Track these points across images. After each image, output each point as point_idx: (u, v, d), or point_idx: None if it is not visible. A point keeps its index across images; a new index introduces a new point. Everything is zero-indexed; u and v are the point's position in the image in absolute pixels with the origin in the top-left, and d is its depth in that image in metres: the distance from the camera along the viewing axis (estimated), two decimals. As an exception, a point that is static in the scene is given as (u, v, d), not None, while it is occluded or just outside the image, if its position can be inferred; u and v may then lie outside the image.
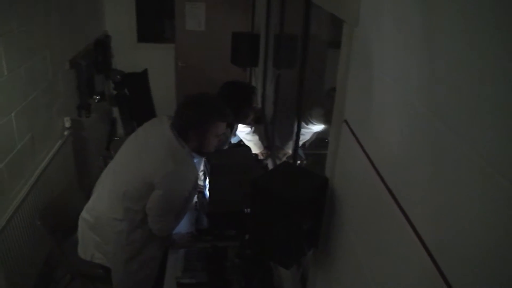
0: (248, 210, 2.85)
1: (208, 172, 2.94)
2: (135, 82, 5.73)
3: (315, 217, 1.77)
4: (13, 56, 3.16)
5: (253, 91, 3.47)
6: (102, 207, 2.71)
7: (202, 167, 3.13)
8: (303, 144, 3.32)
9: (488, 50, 0.78)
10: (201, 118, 2.59)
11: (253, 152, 3.70)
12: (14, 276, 3.06)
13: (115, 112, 6.16)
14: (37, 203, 3.42)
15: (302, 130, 3.18)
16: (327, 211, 1.78)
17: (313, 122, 3.21)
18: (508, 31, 0.73)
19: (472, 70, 0.82)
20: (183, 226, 3.04)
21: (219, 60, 5.69)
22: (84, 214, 2.82)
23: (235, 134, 3.74)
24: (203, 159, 3.01)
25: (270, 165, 3.69)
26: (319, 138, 3.44)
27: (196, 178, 2.70)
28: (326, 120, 3.07)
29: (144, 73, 5.85)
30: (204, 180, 3.13)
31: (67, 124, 4.24)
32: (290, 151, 3.39)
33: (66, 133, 4.22)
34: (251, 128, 3.78)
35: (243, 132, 3.79)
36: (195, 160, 2.71)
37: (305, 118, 3.17)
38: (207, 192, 3.02)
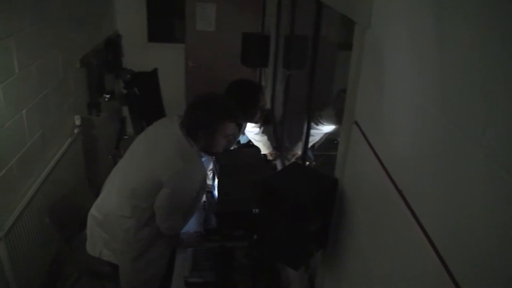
0: (257, 210, 2.86)
1: (217, 172, 2.94)
2: (145, 81, 5.75)
3: (324, 218, 1.77)
4: (25, 54, 3.18)
5: (261, 89, 3.46)
6: (110, 205, 2.72)
7: (210, 166, 3.13)
8: (313, 146, 3.31)
9: (499, 53, 0.78)
10: (210, 118, 2.59)
11: (262, 152, 3.70)
12: (23, 272, 3.08)
13: (125, 111, 6.18)
14: (47, 200, 3.44)
15: (312, 131, 3.17)
16: (336, 212, 1.77)
17: (323, 122, 3.20)
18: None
19: (483, 72, 0.82)
20: (192, 226, 3.04)
21: (229, 60, 5.69)
22: (93, 211, 2.84)
23: (243, 133, 3.74)
24: (212, 158, 3.01)
25: (279, 166, 3.69)
26: (328, 139, 3.43)
27: (205, 177, 2.71)
28: (337, 120, 3.06)
29: (154, 72, 5.87)
30: (213, 180, 3.14)
31: (77, 122, 4.26)
32: (299, 152, 3.39)
33: (76, 131, 4.23)
34: (260, 128, 3.78)
35: (252, 133, 3.79)
36: (203, 159, 2.71)
37: (315, 118, 3.16)
38: (215, 192, 3.02)
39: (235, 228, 2.99)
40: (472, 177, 0.85)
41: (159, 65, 5.94)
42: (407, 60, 1.18)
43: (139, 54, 6.13)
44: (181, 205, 2.63)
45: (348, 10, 1.68)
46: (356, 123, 1.58)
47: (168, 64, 6.21)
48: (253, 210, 2.97)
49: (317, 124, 3.20)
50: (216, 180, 2.98)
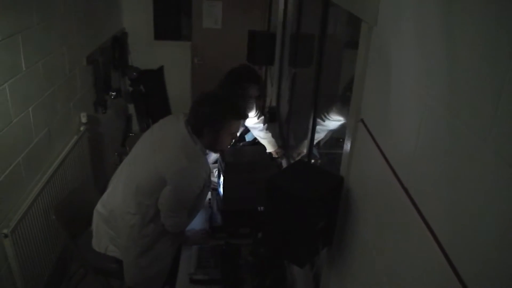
0: (262, 208, 2.86)
1: (223, 170, 2.95)
2: (151, 79, 5.75)
3: (329, 216, 1.77)
4: (32, 51, 3.19)
5: (255, 70, 3.47)
6: (116, 201, 2.74)
7: (212, 157, 3.14)
8: (318, 143, 3.31)
9: (506, 50, 0.77)
10: (216, 115, 2.60)
11: (268, 150, 3.70)
12: (29, 269, 3.09)
13: (131, 108, 6.19)
14: (53, 197, 3.45)
15: (318, 128, 3.18)
16: (341, 210, 1.77)
17: (329, 118, 3.20)
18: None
19: (491, 71, 0.82)
20: (197, 223, 3.05)
21: (235, 58, 5.65)
22: (99, 207, 2.85)
23: (243, 126, 3.74)
24: (213, 155, 3.02)
25: (284, 164, 3.69)
26: (333, 138, 3.42)
27: (209, 175, 2.71)
28: (343, 115, 3.06)
29: (160, 70, 5.87)
30: (219, 177, 3.14)
31: (84, 120, 4.28)
32: (304, 150, 3.38)
33: (82, 128, 4.25)
34: (264, 125, 3.78)
35: (256, 129, 3.79)
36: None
37: (321, 114, 3.16)
38: (221, 190, 3.03)
39: (241, 226, 3.00)
40: (479, 174, 0.85)
41: (165, 62, 5.95)
42: (414, 57, 1.17)
43: (145, 52, 6.14)
44: (185, 202, 2.64)
45: (355, 7, 1.67)
46: (362, 121, 1.58)
47: (174, 62, 6.22)
48: (259, 208, 2.98)
49: (323, 120, 3.20)
50: (222, 178, 2.98)
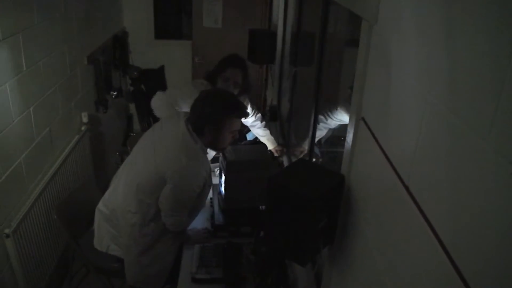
0: (264, 207, 2.86)
1: (224, 169, 2.95)
2: (152, 78, 5.75)
3: (331, 214, 1.77)
4: (33, 51, 3.20)
5: (240, 57, 3.51)
6: (117, 200, 2.74)
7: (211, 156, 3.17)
8: (319, 141, 3.31)
9: (506, 48, 0.77)
10: (217, 114, 2.60)
11: (268, 148, 3.71)
12: (30, 269, 3.10)
13: (132, 108, 6.20)
14: (54, 197, 3.46)
15: (321, 125, 3.18)
16: (343, 209, 1.77)
17: (331, 116, 3.20)
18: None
19: (492, 69, 0.82)
20: (199, 222, 3.05)
21: (235, 57, 5.68)
22: (100, 206, 2.86)
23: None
24: (212, 153, 3.03)
25: (285, 162, 3.69)
26: (334, 136, 3.42)
27: (209, 174, 2.71)
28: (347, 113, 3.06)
29: (161, 69, 5.88)
30: (220, 176, 3.14)
31: (85, 119, 4.28)
32: (306, 148, 3.38)
33: (83, 128, 4.25)
34: (262, 122, 3.79)
35: (255, 127, 3.80)
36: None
37: (324, 113, 3.16)
38: (222, 189, 3.03)
39: (242, 225, 3.00)
40: (480, 173, 0.85)
41: (165, 62, 5.95)
42: (414, 56, 1.17)
43: (146, 51, 6.15)
44: (185, 201, 2.64)
45: (355, 6, 1.67)
46: (363, 119, 1.58)
47: (175, 61, 6.22)
48: (260, 206, 2.98)
49: (326, 119, 3.20)
50: (223, 177, 2.99)
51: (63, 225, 3.00)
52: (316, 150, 3.17)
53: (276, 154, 3.79)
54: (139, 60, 5.96)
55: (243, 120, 3.63)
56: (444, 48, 1.01)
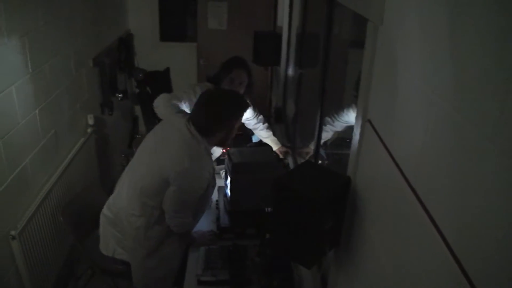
0: (269, 209, 2.86)
1: (230, 171, 2.95)
2: (157, 80, 5.76)
3: (337, 217, 1.76)
4: (38, 53, 3.20)
5: (243, 58, 3.53)
6: (121, 203, 2.75)
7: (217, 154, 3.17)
8: (325, 143, 3.30)
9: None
10: (229, 113, 2.64)
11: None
12: (36, 270, 3.10)
13: (137, 110, 6.20)
14: (60, 199, 3.46)
15: (328, 127, 3.18)
16: (349, 211, 1.77)
17: (337, 118, 3.20)
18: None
19: (498, 70, 0.81)
20: (204, 224, 3.05)
21: (240, 59, 5.68)
22: (105, 210, 2.86)
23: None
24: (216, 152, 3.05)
25: (291, 164, 3.69)
26: (340, 138, 3.42)
27: (213, 174, 2.72)
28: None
29: (166, 71, 5.88)
30: (226, 178, 3.14)
31: (90, 122, 4.29)
32: (311, 149, 3.38)
33: (89, 130, 4.26)
34: (264, 124, 3.79)
35: (257, 129, 3.81)
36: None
37: (331, 115, 3.16)
38: (228, 191, 3.03)
39: (248, 227, 3.00)
40: (487, 174, 0.84)
41: (171, 64, 5.95)
42: (420, 57, 1.17)
43: (151, 53, 6.16)
44: (189, 202, 2.64)
45: (361, 7, 1.67)
46: (369, 121, 1.58)
47: (180, 63, 6.22)
48: (266, 208, 2.98)
49: (332, 121, 3.20)
50: (229, 179, 2.98)
51: (69, 227, 3.00)
52: (322, 152, 3.16)
53: (281, 156, 3.78)
54: (145, 62, 5.96)
55: (246, 123, 3.67)
56: (450, 48, 1.00)
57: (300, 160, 3.56)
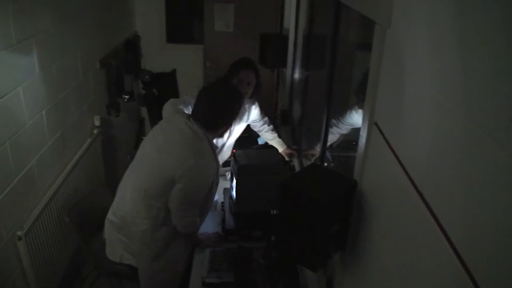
0: (275, 211, 2.85)
1: (236, 173, 2.94)
2: (164, 82, 5.77)
3: (343, 220, 1.76)
4: (45, 54, 3.21)
5: (250, 59, 3.56)
6: (126, 207, 2.74)
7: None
8: (330, 145, 3.30)
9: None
10: (233, 108, 2.72)
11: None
12: (42, 271, 3.10)
13: (144, 111, 6.21)
14: (66, 200, 3.47)
15: (334, 129, 3.18)
16: (355, 214, 1.76)
17: (342, 121, 3.20)
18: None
19: (506, 72, 0.81)
20: (210, 226, 3.05)
21: (247, 61, 5.68)
22: (110, 215, 2.86)
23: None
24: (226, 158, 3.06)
25: (297, 166, 3.68)
26: (346, 140, 3.41)
27: (217, 171, 2.72)
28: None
29: (173, 73, 5.89)
30: (231, 180, 3.14)
31: (97, 123, 4.30)
32: (318, 151, 3.37)
33: (95, 131, 4.27)
34: (269, 126, 3.80)
35: (262, 131, 3.81)
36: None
37: (335, 117, 3.16)
38: (234, 193, 3.02)
39: (253, 229, 2.99)
40: (494, 178, 0.83)
41: (177, 66, 5.96)
42: (428, 60, 1.16)
43: (158, 55, 6.16)
44: (195, 200, 2.64)
45: (368, 10, 1.66)
46: (376, 124, 1.57)
47: (187, 65, 6.23)
48: (271, 211, 2.97)
49: (338, 123, 3.20)
50: (234, 181, 2.98)
51: (75, 228, 3.01)
52: (328, 154, 3.16)
53: (286, 158, 3.78)
54: (151, 64, 5.98)
55: (251, 125, 3.69)
56: (457, 51, 1.00)
57: (306, 162, 3.55)
